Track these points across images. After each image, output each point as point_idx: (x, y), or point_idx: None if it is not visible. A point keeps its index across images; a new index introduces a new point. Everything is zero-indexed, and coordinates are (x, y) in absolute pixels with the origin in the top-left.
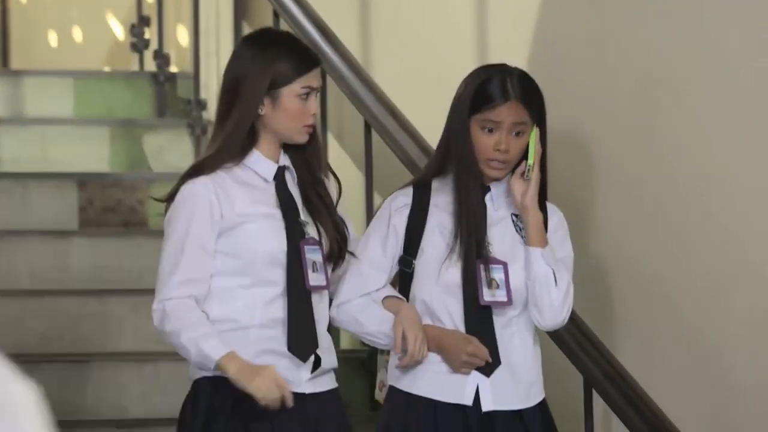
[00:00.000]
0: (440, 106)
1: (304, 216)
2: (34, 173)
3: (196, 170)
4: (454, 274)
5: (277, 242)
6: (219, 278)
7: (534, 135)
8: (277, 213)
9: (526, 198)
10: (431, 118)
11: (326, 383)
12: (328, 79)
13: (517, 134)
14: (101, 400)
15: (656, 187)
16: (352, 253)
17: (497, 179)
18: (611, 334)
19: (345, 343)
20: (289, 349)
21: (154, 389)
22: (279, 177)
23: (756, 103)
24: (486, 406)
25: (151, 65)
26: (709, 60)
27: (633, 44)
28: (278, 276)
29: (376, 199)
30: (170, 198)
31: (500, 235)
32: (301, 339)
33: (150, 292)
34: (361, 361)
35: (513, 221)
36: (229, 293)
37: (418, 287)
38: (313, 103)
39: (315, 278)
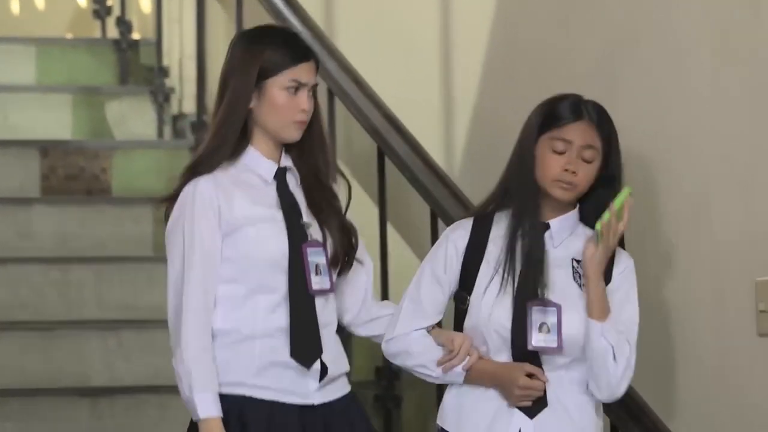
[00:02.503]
0: (403, 74)
1: (307, 217)
2: None
3: (195, 169)
4: (503, 315)
5: (278, 245)
6: (221, 285)
7: (624, 195)
8: (278, 214)
9: (591, 267)
10: (395, 85)
11: (338, 390)
12: None
13: (586, 160)
14: (64, 369)
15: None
16: (359, 261)
17: (563, 200)
18: None
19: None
20: (292, 354)
21: (118, 358)
22: (279, 177)
23: (717, 71)
24: None
25: (113, 32)
26: (671, 26)
27: (597, 12)
28: (280, 281)
29: (340, 166)
30: (172, 198)
31: (557, 277)
32: (304, 344)
33: (113, 260)
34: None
35: (573, 267)
36: (230, 301)
37: (470, 323)
38: (304, 98)
39: (318, 281)
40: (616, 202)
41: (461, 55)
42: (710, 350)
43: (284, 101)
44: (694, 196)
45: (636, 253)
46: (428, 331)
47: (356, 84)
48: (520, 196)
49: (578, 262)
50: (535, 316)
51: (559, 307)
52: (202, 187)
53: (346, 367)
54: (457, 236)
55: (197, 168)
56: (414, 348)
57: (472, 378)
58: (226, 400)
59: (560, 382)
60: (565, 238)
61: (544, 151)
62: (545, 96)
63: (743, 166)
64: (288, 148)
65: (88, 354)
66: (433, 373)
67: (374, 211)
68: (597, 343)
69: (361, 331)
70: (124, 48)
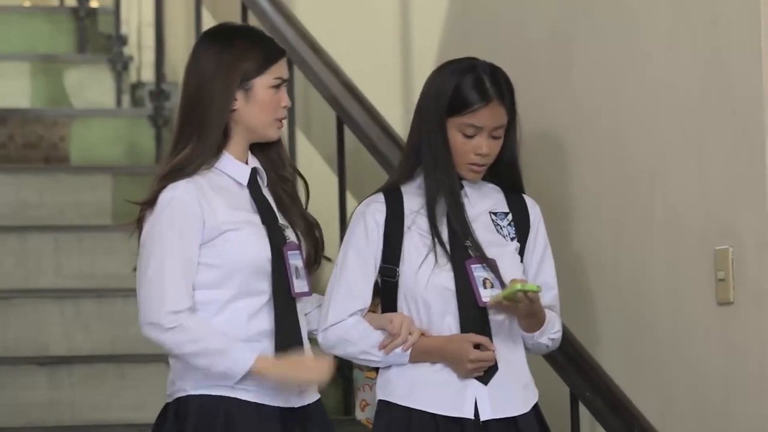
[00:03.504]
0: (362, 42)
1: (280, 219)
2: None
3: (175, 174)
4: (444, 277)
5: (261, 250)
6: (200, 291)
7: (518, 287)
8: (256, 218)
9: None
10: (353, 54)
11: (312, 395)
12: (249, 13)
13: (495, 137)
14: (22, 338)
15: (574, 126)
16: (328, 258)
17: (474, 180)
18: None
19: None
20: None
21: (76, 327)
22: (252, 180)
23: (673, 38)
24: (485, 415)
25: (71, 0)
26: None
27: None
28: (262, 285)
29: (298, 135)
30: (148, 203)
31: (481, 233)
32: (290, 351)
33: (72, 228)
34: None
35: (492, 219)
36: (211, 306)
37: (405, 293)
38: (284, 94)
39: (299, 285)
40: (511, 289)
41: (420, 23)
42: (668, 319)
43: (270, 99)
44: (650, 164)
45: (591, 221)
46: (363, 317)
47: (315, 52)
48: (438, 173)
49: (495, 214)
50: (477, 273)
51: (494, 262)
52: (182, 191)
53: None
54: (374, 210)
55: (178, 172)
56: (352, 335)
57: (417, 357)
58: (212, 399)
59: (505, 342)
60: (478, 194)
61: (453, 133)
62: (500, 64)
63: (699, 134)
64: (251, 147)
65: (46, 323)
66: (376, 357)
67: (334, 180)
68: (531, 343)
69: None
70: (82, 16)
